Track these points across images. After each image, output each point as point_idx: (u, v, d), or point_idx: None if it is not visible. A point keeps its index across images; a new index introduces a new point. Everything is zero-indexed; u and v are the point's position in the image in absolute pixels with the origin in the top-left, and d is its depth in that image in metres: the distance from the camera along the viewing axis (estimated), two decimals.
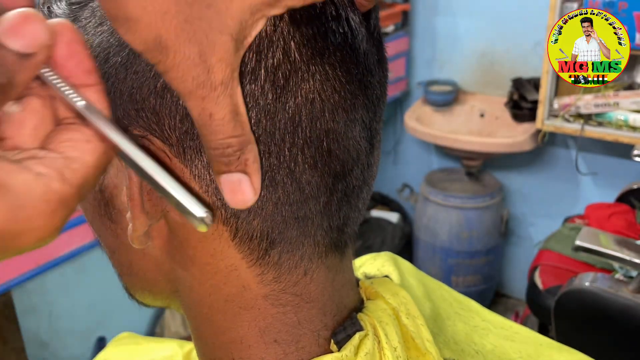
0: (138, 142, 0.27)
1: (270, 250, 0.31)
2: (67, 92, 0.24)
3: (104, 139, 0.25)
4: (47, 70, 0.24)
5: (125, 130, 0.25)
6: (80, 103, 0.25)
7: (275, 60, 0.27)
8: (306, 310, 0.33)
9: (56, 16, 0.32)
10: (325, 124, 0.29)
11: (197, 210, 0.25)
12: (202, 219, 0.25)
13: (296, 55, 0.27)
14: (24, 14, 0.22)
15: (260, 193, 0.29)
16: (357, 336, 0.33)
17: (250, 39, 0.25)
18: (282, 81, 0.27)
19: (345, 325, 0.34)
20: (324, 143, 0.29)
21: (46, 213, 0.23)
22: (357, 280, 0.39)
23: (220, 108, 0.24)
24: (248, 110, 0.27)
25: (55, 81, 0.24)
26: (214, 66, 0.23)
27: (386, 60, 0.33)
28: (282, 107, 0.27)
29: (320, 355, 0.33)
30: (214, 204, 0.30)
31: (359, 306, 0.37)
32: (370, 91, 0.31)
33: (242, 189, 0.26)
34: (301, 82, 0.28)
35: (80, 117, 0.25)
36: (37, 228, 0.23)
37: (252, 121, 0.27)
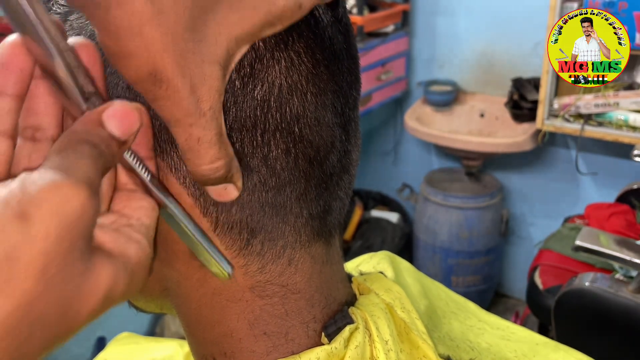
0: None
1: (252, 239, 0.31)
2: (138, 168, 0.28)
3: (161, 205, 0.29)
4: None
5: (172, 195, 0.29)
6: (149, 179, 0.28)
7: None
8: (293, 302, 0.34)
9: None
10: (294, 108, 0.29)
11: (227, 267, 0.30)
12: (229, 274, 0.30)
13: (260, 43, 0.28)
14: (128, 107, 0.26)
15: None
16: (347, 329, 0.33)
17: (234, 64, 0.26)
18: (247, 69, 0.28)
19: (336, 318, 0.34)
20: (295, 128, 0.30)
21: (144, 274, 0.28)
22: (350, 276, 0.39)
23: (207, 131, 0.26)
24: None
25: (129, 158, 0.28)
26: (203, 95, 0.25)
27: (355, 47, 0.34)
28: (250, 94, 0.28)
29: (310, 347, 0.33)
30: (192, 194, 0.30)
31: (351, 301, 0.37)
32: (339, 77, 0.31)
33: (227, 192, 0.29)
34: (267, 69, 0.28)
35: (144, 187, 0.29)
36: (137, 287, 0.27)
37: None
